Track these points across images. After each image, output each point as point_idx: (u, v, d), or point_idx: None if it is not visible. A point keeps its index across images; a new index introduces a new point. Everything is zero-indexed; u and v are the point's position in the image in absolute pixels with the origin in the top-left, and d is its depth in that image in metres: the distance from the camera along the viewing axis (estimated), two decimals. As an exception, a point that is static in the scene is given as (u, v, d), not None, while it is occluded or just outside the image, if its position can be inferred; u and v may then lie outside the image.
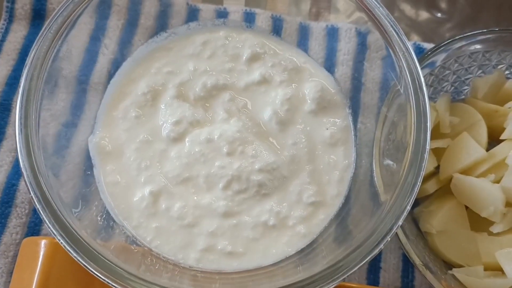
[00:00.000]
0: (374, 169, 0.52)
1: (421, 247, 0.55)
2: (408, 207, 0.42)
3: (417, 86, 0.46)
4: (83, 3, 0.51)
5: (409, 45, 0.48)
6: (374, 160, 0.53)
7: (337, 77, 0.60)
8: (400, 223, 0.42)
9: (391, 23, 0.50)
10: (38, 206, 0.39)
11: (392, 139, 0.52)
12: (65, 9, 0.50)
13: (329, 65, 0.61)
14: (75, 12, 0.51)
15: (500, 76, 0.61)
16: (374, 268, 0.60)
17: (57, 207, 0.40)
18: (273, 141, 0.54)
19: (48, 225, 0.39)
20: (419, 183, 0.43)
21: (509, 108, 0.58)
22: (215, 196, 0.51)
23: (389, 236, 0.41)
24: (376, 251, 0.41)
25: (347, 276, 0.42)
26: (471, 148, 0.56)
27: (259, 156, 0.52)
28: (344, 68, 0.61)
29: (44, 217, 0.39)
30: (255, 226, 0.51)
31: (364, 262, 0.41)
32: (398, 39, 0.49)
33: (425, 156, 0.44)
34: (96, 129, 0.53)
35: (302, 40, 0.64)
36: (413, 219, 0.59)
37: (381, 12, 0.50)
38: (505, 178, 0.54)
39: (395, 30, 0.49)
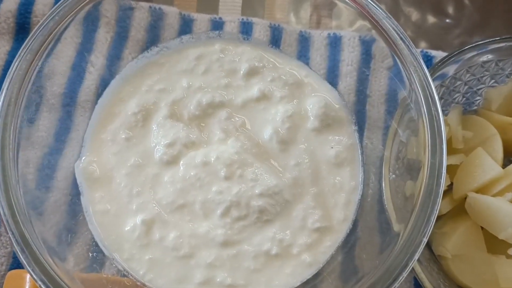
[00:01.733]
0: (383, 192, 0.48)
1: (435, 273, 0.51)
2: (425, 240, 0.39)
3: (430, 101, 0.43)
4: (69, 16, 0.48)
5: (419, 56, 0.45)
6: (383, 181, 0.49)
7: (340, 90, 0.56)
8: (416, 257, 0.38)
9: (397, 30, 0.46)
10: (16, 247, 0.35)
11: (402, 157, 0.48)
12: (49, 21, 0.46)
13: (332, 77, 0.58)
14: (61, 25, 0.47)
15: (514, 85, 0.57)
16: (384, 294, 0.56)
17: (37, 249, 0.36)
18: (274, 162, 0.50)
19: (27, 269, 0.35)
20: (436, 212, 0.39)
21: (526, 121, 0.55)
22: (213, 224, 0.47)
23: (405, 272, 0.37)
24: (395, 285, 0.37)
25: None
26: (487, 165, 0.53)
27: (260, 179, 0.48)
28: (348, 80, 0.57)
29: (22, 259, 0.36)
30: (256, 256, 0.47)
31: None
32: (406, 48, 0.46)
33: (442, 181, 0.40)
34: (83, 153, 0.49)
35: (303, 51, 0.61)
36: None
37: (384, 18, 0.46)
38: (524, 197, 0.51)
39: (401, 39, 0.46)
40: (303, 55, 0.60)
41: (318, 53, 0.61)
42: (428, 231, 0.39)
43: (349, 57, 0.60)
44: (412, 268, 0.49)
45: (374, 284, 0.37)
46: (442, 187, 0.40)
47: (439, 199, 0.40)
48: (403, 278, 0.38)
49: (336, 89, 0.56)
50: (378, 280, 0.37)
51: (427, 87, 0.43)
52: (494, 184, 0.53)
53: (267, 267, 0.47)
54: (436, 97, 0.43)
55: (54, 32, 0.47)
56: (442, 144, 0.41)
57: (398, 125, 0.49)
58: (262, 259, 0.47)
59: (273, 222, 0.48)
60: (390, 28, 0.47)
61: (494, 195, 0.52)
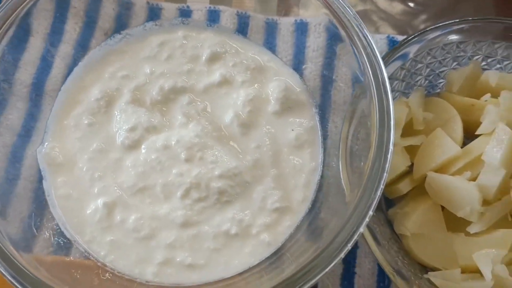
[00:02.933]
0: (341, 170, 0.49)
1: (394, 251, 0.52)
2: (373, 207, 0.39)
3: (380, 80, 0.44)
4: (34, 6, 0.48)
5: (371, 38, 0.46)
6: (340, 160, 0.50)
7: (306, 75, 0.57)
8: (365, 223, 0.39)
9: (351, 15, 0.47)
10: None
11: (361, 138, 0.49)
12: (16, 13, 0.47)
13: (298, 63, 0.58)
14: (26, 16, 0.48)
15: (475, 67, 0.58)
16: (348, 274, 0.57)
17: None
18: (234, 145, 0.51)
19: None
20: (383, 182, 0.40)
21: (486, 101, 0.55)
22: (173, 206, 0.48)
23: (355, 237, 0.38)
24: (341, 255, 0.38)
25: (313, 283, 0.39)
26: (446, 145, 0.54)
27: (219, 161, 0.49)
28: (313, 65, 0.58)
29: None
30: (216, 236, 0.48)
31: (329, 268, 0.38)
32: (358, 31, 0.47)
33: (389, 154, 0.41)
34: (45, 139, 0.50)
35: (269, 39, 0.61)
36: (387, 221, 0.56)
37: (342, 7, 0.47)
38: (482, 175, 0.52)
39: (355, 23, 0.46)
40: (269, 42, 0.61)
41: (284, 40, 0.61)
42: (376, 199, 0.40)
43: (315, 42, 0.60)
44: (370, 248, 0.50)
45: (325, 251, 0.38)
46: (389, 159, 0.41)
47: (386, 170, 0.40)
48: (353, 243, 0.38)
49: (300, 74, 0.57)
50: (329, 245, 0.38)
51: (377, 66, 0.44)
52: (453, 163, 0.54)
53: (226, 247, 0.48)
54: (385, 75, 0.44)
55: (19, 23, 0.48)
56: (390, 120, 0.42)
57: (355, 107, 0.50)
58: (222, 239, 0.48)
59: (233, 203, 0.49)
60: (344, 13, 0.48)
61: (453, 174, 0.53)
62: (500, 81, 0.56)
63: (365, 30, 0.47)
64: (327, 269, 0.38)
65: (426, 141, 0.55)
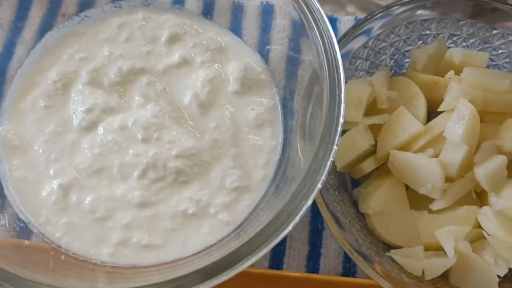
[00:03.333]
0: (298, 148, 0.49)
1: (355, 230, 0.52)
2: (319, 185, 0.39)
3: (330, 56, 0.43)
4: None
5: (323, 12, 0.45)
6: (298, 139, 0.49)
7: (272, 56, 0.57)
8: (310, 201, 0.38)
9: None
10: None
11: (315, 115, 0.48)
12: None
13: (263, 45, 0.58)
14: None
15: (440, 45, 0.58)
16: (314, 255, 0.57)
17: None
18: (194, 125, 0.51)
19: None
20: (331, 159, 0.40)
21: (450, 78, 0.55)
22: (130, 186, 0.48)
23: (298, 216, 0.38)
24: (282, 235, 0.38)
25: (260, 255, 0.38)
26: (408, 122, 0.53)
27: (177, 141, 0.49)
28: (279, 46, 0.58)
29: None
30: (173, 216, 0.48)
31: (276, 240, 0.38)
32: (314, 12, 0.46)
33: (338, 130, 0.40)
34: (1, 122, 0.50)
35: (236, 21, 0.61)
36: (353, 201, 0.56)
37: None
38: (443, 152, 0.51)
39: (311, 4, 0.46)
40: (235, 25, 0.60)
41: (251, 22, 0.61)
42: (323, 176, 0.39)
43: (281, 24, 0.60)
44: (328, 227, 0.49)
45: (265, 230, 0.38)
46: (338, 136, 0.40)
47: (334, 148, 0.40)
48: (296, 222, 0.38)
49: (265, 55, 0.56)
50: (269, 224, 0.38)
51: (329, 47, 0.44)
52: (415, 140, 0.53)
53: (184, 227, 0.48)
54: (338, 55, 0.44)
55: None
56: (341, 94, 0.42)
57: (313, 85, 0.50)
58: (179, 219, 0.48)
59: (191, 183, 0.49)
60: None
61: (415, 152, 0.53)
62: (465, 58, 0.56)
63: (316, 3, 0.46)
64: (274, 242, 0.37)
65: (389, 120, 0.55)
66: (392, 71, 0.61)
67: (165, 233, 0.47)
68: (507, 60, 0.59)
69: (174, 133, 0.49)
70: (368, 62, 0.58)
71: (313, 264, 0.57)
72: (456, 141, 0.50)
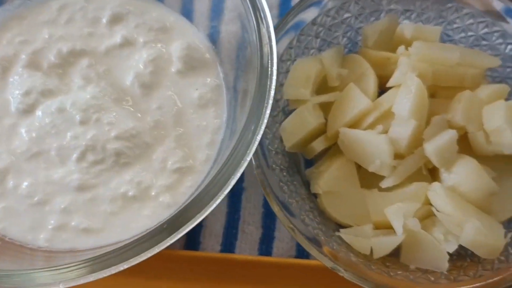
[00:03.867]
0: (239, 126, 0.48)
1: (305, 210, 0.51)
2: (247, 158, 0.38)
3: (261, 32, 0.42)
4: None
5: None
6: (241, 116, 0.48)
7: (223, 37, 0.55)
8: (234, 180, 0.38)
9: None
10: None
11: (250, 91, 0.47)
12: None
13: (215, 25, 0.56)
14: None
15: (391, 21, 0.57)
16: (267, 238, 0.56)
17: None
18: (135, 106, 0.50)
19: None
20: (257, 136, 0.39)
21: (401, 54, 0.54)
22: (69, 170, 0.47)
23: (219, 196, 0.37)
24: (203, 213, 0.37)
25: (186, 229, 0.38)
26: (357, 99, 0.52)
27: (116, 123, 0.48)
28: (231, 26, 0.56)
29: None
30: (113, 199, 0.47)
31: (190, 225, 0.37)
32: None
33: (266, 106, 0.40)
34: None
35: (187, 2, 0.59)
36: (306, 182, 0.55)
37: None
38: (392, 128, 0.50)
39: None
40: (187, 5, 0.59)
41: (203, 2, 0.60)
42: (249, 153, 0.38)
43: (232, 3, 0.59)
44: (273, 209, 0.48)
45: (188, 208, 0.37)
46: (266, 113, 0.39)
47: (261, 124, 0.39)
48: (222, 196, 0.37)
49: (213, 34, 0.55)
50: (191, 203, 0.37)
51: (261, 20, 0.43)
52: (365, 117, 0.52)
53: (124, 210, 0.47)
54: (270, 28, 0.43)
55: None
56: (273, 70, 0.41)
57: (251, 62, 0.48)
58: (119, 202, 0.47)
59: (131, 165, 0.48)
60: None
61: (365, 129, 0.52)
62: (416, 33, 0.54)
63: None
64: (197, 219, 0.37)
65: (339, 97, 0.54)
66: (347, 50, 0.60)
67: (105, 216, 0.46)
68: (463, 34, 0.58)
69: (114, 114, 0.48)
70: (319, 40, 0.57)
71: (266, 247, 0.56)
72: (404, 116, 0.49)
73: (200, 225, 0.56)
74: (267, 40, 0.42)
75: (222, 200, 0.56)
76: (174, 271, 0.53)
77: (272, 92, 0.40)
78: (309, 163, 0.57)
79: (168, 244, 0.37)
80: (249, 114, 0.39)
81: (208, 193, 0.38)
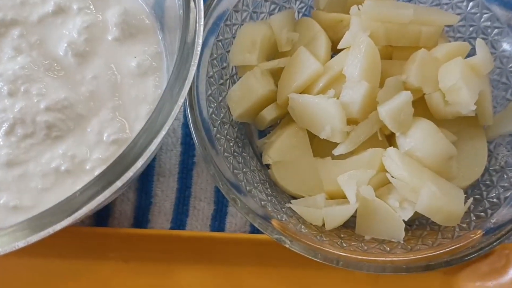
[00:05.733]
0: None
1: (255, 182, 0.48)
2: (165, 128, 0.36)
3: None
4: None
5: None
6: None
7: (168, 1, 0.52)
8: (153, 147, 0.35)
9: None
10: None
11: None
12: None
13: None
14: None
15: (344, -20, 0.54)
16: (219, 214, 0.54)
17: None
18: (68, 76, 0.47)
19: None
20: (180, 99, 0.37)
21: (353, 14, 0.51)
22: (-3, 145, 0.44)
23: (135, 167, 0.35)
24: (117, 184, 0.35)
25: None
26: (306, 63, 0.50)
27: (47, 94, 0.45)
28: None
29: None
30: (45, 175, 0.44)
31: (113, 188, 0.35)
32: None
33: (191, 65, 0.37)
34: None
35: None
36: (258, 154, 0.52)
37: None
38: (343, 91, 0.48)
39: None
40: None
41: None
42: (169, 121, 0.36)
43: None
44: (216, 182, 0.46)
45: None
46: (188, 77, 0.37)
47: (183, 92, 0.37)
48: (137, 168, 0.35)
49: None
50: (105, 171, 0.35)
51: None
52: (316, 82, 0.50)
53: (57, 186, 0.44)
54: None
55: None
56: (195, 28, 0.39)
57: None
58: (52, 177, 0.44)
59: (64, 138, 0.45)
60: None
61: (317, 94, 0.49)
62: (370, -8, 0.52)
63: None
64: (115, 185, 0.34)
65: (289, 62, 0.51)
66: (301, 14, 0.57)
67: (36, 193, 0.44)
68: (422, -7, 0.55)
69: (45, 85, 0.46)
70: (269, 4, 0.54)
71: (218, 223, 0.54)
72: (355, 78, 0.47)
73: (149, 202, 0.54)
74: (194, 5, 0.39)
75: (172, 175, 0.55)
76: (121, 250, 0.51)
77: (199, 49, 0.37)
78: (265, 134, 0.54)
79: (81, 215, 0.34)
80: (172, 76, 0.37)
81: (125, 161, 0.35)
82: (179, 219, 0.53)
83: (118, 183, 0.35)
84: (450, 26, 0.54)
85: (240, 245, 0.51)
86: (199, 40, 0.38)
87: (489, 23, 0.53)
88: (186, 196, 0.54)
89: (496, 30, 0.53)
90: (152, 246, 0.51)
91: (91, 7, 0.50)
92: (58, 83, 0.46)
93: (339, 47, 0.50)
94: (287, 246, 0.43)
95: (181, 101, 0.36)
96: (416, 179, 0.45)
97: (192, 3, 0.39)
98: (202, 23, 0.38)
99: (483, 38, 0.53)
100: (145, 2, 0.51)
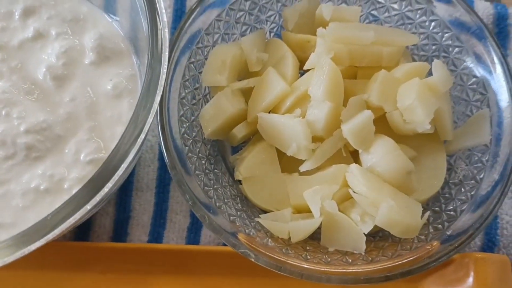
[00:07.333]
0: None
1: (226, 198, 0.51)
2: (132, 152, 0.39)
3: (154, 17, 0.43)
4: None
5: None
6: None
7: (135, 25, 0.55)
8: (121, 170, 0.38)
9: None
10: None
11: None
12: None
13: (127, 13, 0.56)
14: None
15: (311, 3, 0.58)
16: (195, 227, 0.57)
17: None
18: (47, 99, 0.50)
19: None
20: (147, 122, 0.40)
21: (319, 35, 0.54)
22: (-20, 167, 0.47)
23: (105, 188, 0.38)
24: (87, 207, 0.38)
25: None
26: (274, 83, 0.53)
27: (27, 116, 0.49)
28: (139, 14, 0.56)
29: None
30: (25, 193, 0.48)
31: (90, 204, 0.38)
32: None
33: (157, 88, 0.40)
34: None
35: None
36: (231, 169, 0.55)
37: None
38: (309, 110, 0.51)
39: None
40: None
41: None
42: (136, 144, 0.39)
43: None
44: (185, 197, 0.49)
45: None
46: (155, 98, 0.40)
47: (152, 111, 0.40)
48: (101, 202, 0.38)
49: (137, 24, 0.55)
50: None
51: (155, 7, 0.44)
52: (283, 101, 0.53)
53: (36, 204, 0.47)
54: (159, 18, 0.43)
55: None
56: (161, 55, 0.42)
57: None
58: (31, 196, 0.47)
59: (43, 159, 0.49)
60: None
61: (284, 113, 0.52)
62: (336, 14, 0.55)
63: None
64: (85, 208, 0.37)
65: (258, 82, 0.54)
66: (273, 34, 0.60)
67: (17, 210, 0.47)
68: (387, 14, 0.58)
69: (24, 108, 0.49)
70: (240, 25, 0.57)
71: (193, 235, 0.57)
72: (319, 98, 0.50)
73: (127, 216, 0.57)
74: (160, 26, 0.42)
75: (150, 190, 0.58)
76: (101, 263, 0.54)
77: (163, 77, 0.41)
78: (238, 151, 0.57)
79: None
80: (140, 99, 0.40)
81: (95, 184, 0.38)
82: (157, 232, 0.57)
83: (88, 206, 0.38)
84: (414, 45, 0.57)
85: (214, 256, 0.54)
86: (164, 70, 0.41)
87: (450, 42, 0.56)
88: (163, 210, 0.57)
89: (456, 49, 0.56)
90: (131, 259, 0.54)
91: (68, 31, 0.53)
92: (37, 106, 0.50)
93: (305, 68, 0.53)
94: (252, 260, 0.46)
95: (145, 132, 0.39)
96: (375, 194, 0.48)
97: (159, 33, 0.42)
98: (167, 53, 0.41)
99: (445, 56, 0.56)
100: (120, 26, 0.54)
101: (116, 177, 0.39)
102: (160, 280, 0.54)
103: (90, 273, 0.54)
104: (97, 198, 0.38)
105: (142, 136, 0.39)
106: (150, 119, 0.40)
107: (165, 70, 0.41)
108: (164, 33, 0.42)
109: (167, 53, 0.41)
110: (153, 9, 0.44)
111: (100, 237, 0.57)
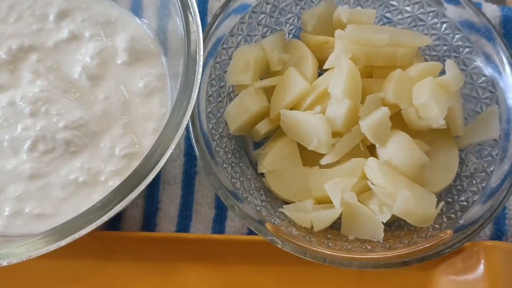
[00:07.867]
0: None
1: (251, 189, 0.55)
2: (171, 147, 0.42)
3: (188, 19, 0.46)
4: None
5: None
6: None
7: (164, 27, 0.58)
8: (162, 163, 0.42)
9: None
10: None
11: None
12: None
13: (157, 16, 0.59)
14: None
15: (329, 5, 0.61)
16: (220, 218, 0.60)
17: None
18: (83, 97, 0.54)
19: None
20: (185, 118, 0.43)
21: (337, 37, 0.57)
22: (21, 160, 0.51)
23: (149, 178, 0.41)
24: (132, 196, 0.41)
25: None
26: (295, 81, 0.56)
27: (65, 113, 0.52)
28: (169, 17, 0.59)
29: None
30: (64, 186, 0.51)
31: (132, 196, 0.41)
32: None
33: (192, 89, 0.43)
34: None
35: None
36: (254, 163, 0.59)
37: None
38: (329, 108, 0.55)
39: None
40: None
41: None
42: (177, 136, 0.42)
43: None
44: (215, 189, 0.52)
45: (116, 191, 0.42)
46: (191, 97, 0.43)
47: (188, 112, 0.44)
48: (148, 183, 0.41)
49: (166, 26, 0.59)
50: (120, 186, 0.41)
51: (189, 9, 0.47)
52: (304, 99, 0.56)
53: (75, 195, 0.51)
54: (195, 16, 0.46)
55: None
56: (197, 62, 0.45)
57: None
58: (71, 188, 0.51)
59: (81, 153, 0.52)
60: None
61: (305, 110, 0.56)
62: (352, 16, 0.58)
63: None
64: (130, 196, 0.41)
65: (280, 81, 0.57)
66: (292, 36, 0.64)
67: (57, 202, 0.50)
68: (400, 16, 0.62)
69: (62, 105, 0.52)
70: (261, 27, 0.61)
71: (219, 226, 0.60)
72: (338, 96, 0.53)
73: (156, 207, 0.60)
74: (194, 28, 0.46)
75: (177, 183, 0.61)
76: (131, 251, 0.57)
77: (199, 77, 0.44)
78: (259, 146, 0.61)
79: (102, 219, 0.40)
80: (177, 98, 0.43)
81: (138, 174, 0.42)
82: (184, 223, 0.60)
83: (132, 195, 0.41)
84: (426, 46, 0.61)
85: (238, 245, 0.57)
86: (199, 69, 0.44)
87: (460, 42, 0.59)
88: (189, 202, 0.60)
89: (467, 49, 0.59)
90: (159, 248, 0.57)
91: (101, 33, 0.56)
92: (74, 103, 0.53)
93: (324, 67, 0.56)
94: (279, 246, 0.49)
95: (185, 122, 0.42)
96: (392, 186, 0.51)
97: (193, 36, 0.46)
98: (201, 53, 0.45)
99: (455, 57, 0.60)
100: (149, 28, 0.58)
101: (158, 168, 0.42)
102: (187, 267, 0.57)
103: (121, 262, 0.57)
104: (142, 187, 0.41)
105: (182, 128, 0.42)
106: (188, 115, 0.43)
107: (201, 69, 0.44)
108: (199, 35, 0.45)
109: (201, 54, 0.45)
110: (187, 12, 0.47)
111: (130, 228, 0.60)
